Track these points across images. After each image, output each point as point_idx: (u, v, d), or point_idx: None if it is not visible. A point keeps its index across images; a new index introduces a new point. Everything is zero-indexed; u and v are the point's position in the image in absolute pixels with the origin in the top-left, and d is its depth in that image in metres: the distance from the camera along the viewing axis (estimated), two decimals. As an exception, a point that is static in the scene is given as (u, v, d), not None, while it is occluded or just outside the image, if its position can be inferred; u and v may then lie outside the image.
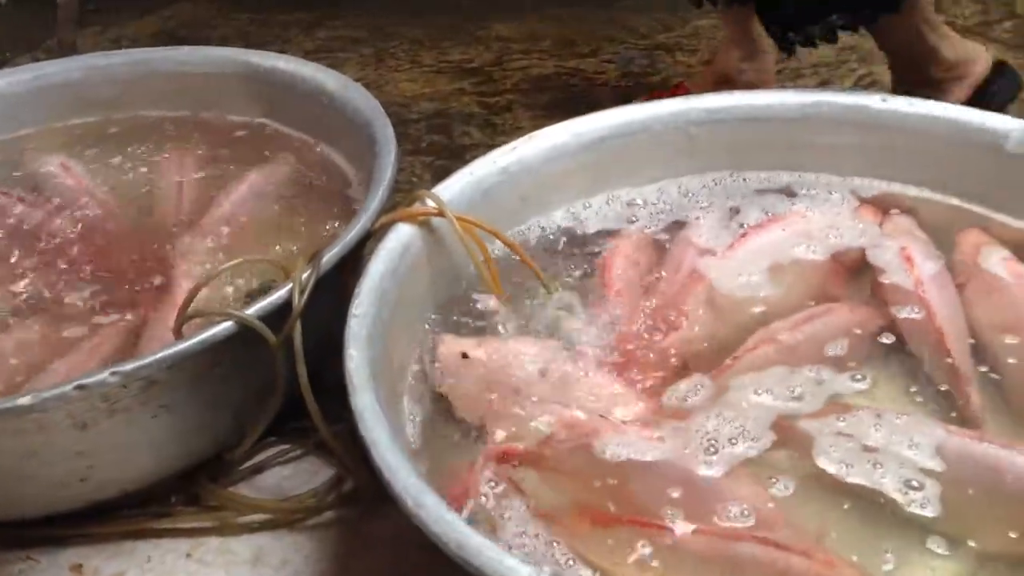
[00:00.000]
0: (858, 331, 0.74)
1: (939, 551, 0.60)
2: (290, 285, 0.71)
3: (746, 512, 0.61)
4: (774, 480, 0.64)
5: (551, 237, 0.87)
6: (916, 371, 0.72)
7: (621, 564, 0.59)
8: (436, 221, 0.78)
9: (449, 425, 0.71)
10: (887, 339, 0.74)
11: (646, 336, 0.76)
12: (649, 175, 0.90)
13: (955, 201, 0.86)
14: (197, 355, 0.68)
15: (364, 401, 0.62)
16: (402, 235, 0.76)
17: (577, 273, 0.83)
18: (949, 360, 0.71)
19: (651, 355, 0.74)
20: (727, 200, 0.87)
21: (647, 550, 0.59)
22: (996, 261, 0.78)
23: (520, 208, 0.86)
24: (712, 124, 0.89)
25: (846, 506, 0.63)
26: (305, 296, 0.71)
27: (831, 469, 0.63)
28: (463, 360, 0.72)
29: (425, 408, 0.72)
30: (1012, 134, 0.82)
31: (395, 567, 0.72)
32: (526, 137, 0.86)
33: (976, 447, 0.64)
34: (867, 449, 0.64)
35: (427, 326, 0.77)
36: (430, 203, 0.78)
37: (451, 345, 0.73)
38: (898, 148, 0.86)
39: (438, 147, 1.38)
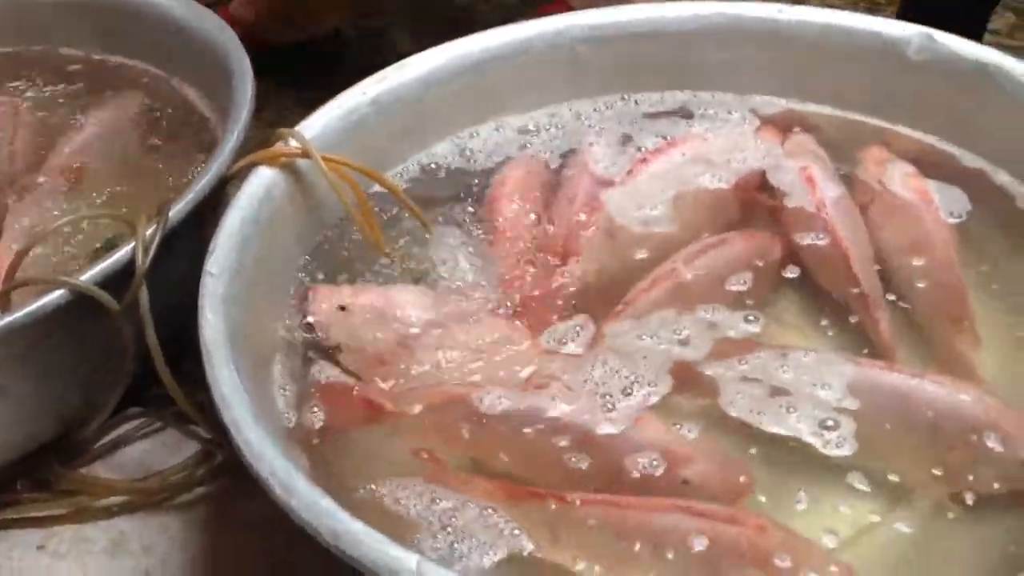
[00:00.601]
0: (759, 262, 0.69)
1: (860, 487, 0.57)
2: (133, 244, 0.63)
3: (655, 461, 0.57)
4: (677, 426, 0.60)
5: (434, 172, 0.79)
6: (822, 304, 0.68)
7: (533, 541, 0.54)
8: (302, 162, 0.70)
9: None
10: (791, 273, 0.69)
11: (540, 276, 0.70)
12: (538, 100, 0.83)
13: (857, 116, 0.81)
14: (25, 329, 0.60)
15: (222, 375, 0.55)
16: (263, 179, 0.68)
17: (465, 210, 0.76)
18: (856, 289, 0.67)
19: (545, 297, 0.69)
20: (620, 125, 0.81)
21: (559, 524, 0.54)
22: (899, 177, 0.74)
23: (397, 143, 0.78)
24: (599, 41, 0.82)
25: (752, 450, 0.59)
26: (150, 256, 0.62)
27: (741, 417, 0.59)
28: (341, 312, 0.66)
29: (300, 369, 0.65)
30: (913, 40, 0.77)
31: (271, 547, 0.65)
32: (397, 64, 0.78)
33: (886, 377, 0.61)
34: (776, 392, 0.60)
35: (299, 279, 0.70)
36: (293, 142, 0.70)
37: (326, 296, 0.67)
38: (797, 61, 0.81)
39: (308, 77, 1.28)
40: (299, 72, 1.22)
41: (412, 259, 0.72)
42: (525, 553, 0.54)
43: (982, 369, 0.63)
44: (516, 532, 0.54)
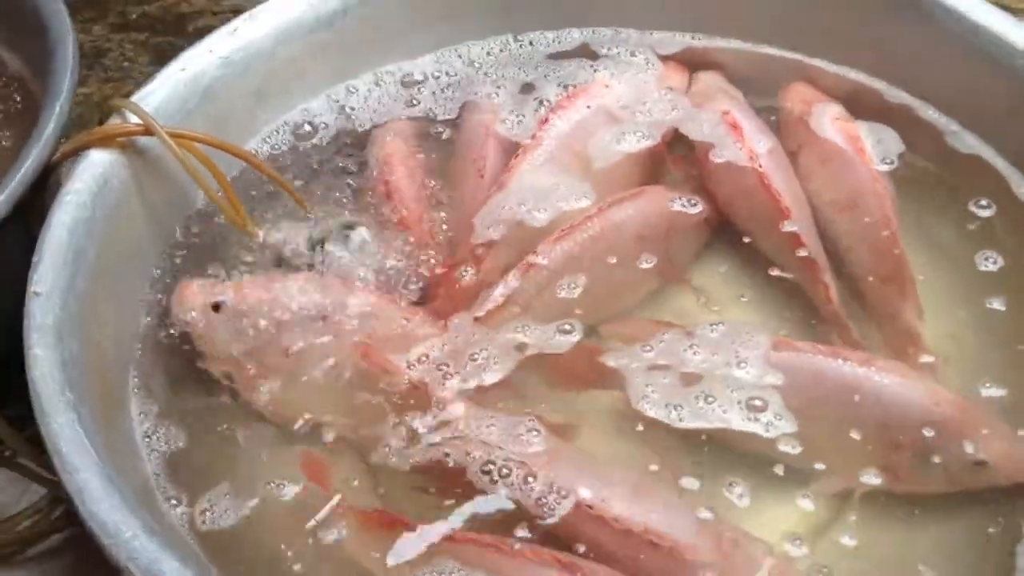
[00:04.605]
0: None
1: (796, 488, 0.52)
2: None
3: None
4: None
5: (309, 136, 0.69)
6: (742, 266, 0.62)
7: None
8: (145, 141, 0.59)
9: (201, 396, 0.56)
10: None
11: (450, 260, 0.62)
12: (421, 44, 0.72)
13: (768, 49, 0.73)
14: None
15: (60, 428, 0.45)
16: (97, 167, 0.57)
17: (351, 183, 0.66)
18: (800, 252, 0.60)
19: (459, 284, 0.61)
20: (520, 71, 0.72)
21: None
22: (828, 122, 0.67)
23: (259, 107, 0.67)
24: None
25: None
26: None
27: (657, 415, 0.53)
28: (214, 313, 0.57)
29: (168, 395, 0.56)
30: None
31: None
32: (246, 15, 0.65)
33: (826, 364, 0.54)
34: (689, 381, 0.54)
35: (149, 287, 0.59)
36: (132, 117, 0.58)
37: (195, 295, 0.57)
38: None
39: (153, 19, 1.13)
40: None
41: (293, 248, 0.62)
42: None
43: (928, 340, 0.58)
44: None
